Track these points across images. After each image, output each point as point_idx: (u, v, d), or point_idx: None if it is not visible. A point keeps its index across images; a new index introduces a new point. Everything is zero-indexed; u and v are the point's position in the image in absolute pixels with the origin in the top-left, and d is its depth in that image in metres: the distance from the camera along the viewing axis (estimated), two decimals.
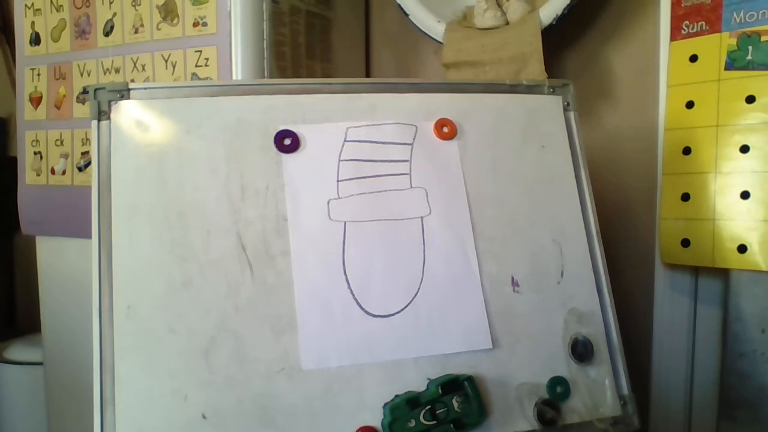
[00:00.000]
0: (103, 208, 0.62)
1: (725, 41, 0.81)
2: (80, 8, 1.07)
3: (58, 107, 1.11)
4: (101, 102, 0.64)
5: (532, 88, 0.75)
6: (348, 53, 1.21)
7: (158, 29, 0.98)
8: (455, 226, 0.67)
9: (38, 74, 1.13)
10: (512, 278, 0.67)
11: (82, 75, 1.07)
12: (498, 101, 0.73)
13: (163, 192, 0.62)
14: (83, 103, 1.08)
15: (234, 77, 0.92)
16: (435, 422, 0.60)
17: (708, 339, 0.87)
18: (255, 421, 0.58)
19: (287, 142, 0.66)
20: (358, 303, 0.63)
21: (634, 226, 1.02)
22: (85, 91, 1.07)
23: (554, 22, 0.95)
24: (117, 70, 1.03)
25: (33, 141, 1.14)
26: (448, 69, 1.04)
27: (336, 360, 0.61)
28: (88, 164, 1.08)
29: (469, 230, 0.67)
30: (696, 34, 0.84)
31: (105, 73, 1.04)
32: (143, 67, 1.00)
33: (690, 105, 0.84)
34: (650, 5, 0.98)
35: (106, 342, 0.58)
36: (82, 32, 1.07)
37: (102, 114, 0.64)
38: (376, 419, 0.60)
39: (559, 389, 0.64)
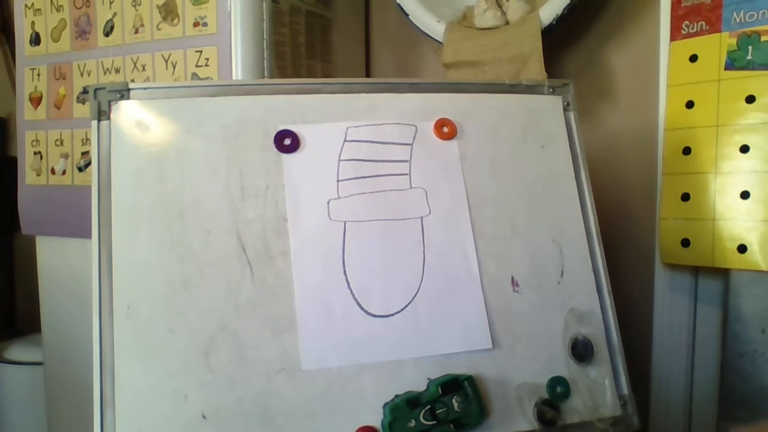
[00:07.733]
0: (103, 208, 0.62)
1: (725, 41, 0.81)
2: (80, 8, 1.07)
3: (58, 107, 1.11)
4: (101, 102, 0.64)
5: (532, 88, 0.75)
6: (348, 53, 1.21)
7: (158, 29, 0.98)
8: (455, 226, 0.67)
9: (38, 74, 1.13)
10: (512, 278, 0.67)
11: (82, 75, 1.07)
12: (498, 101, 0.73)
13: (163, 192, 0.62)
14: (83, 103, 1.08)
15: (234, 77, 0.92)
16: (435, 422, 0.60)
17: (708, 339, 0.87)
18: (255, 421, 0.58)
19: (287, 142, 0.66)
20: (357, 303, 0.63)
21: (634, 226, 1.02)
22: (85, 91, 1.07)
23: (554, 22, 0.95)
24: (117, 70, 1.03)
25: (33, 141, 1.14)
26: (448, 69, 1.04)
27: (336, 360, 0.61)
28: (88, 164, 1.08)
29: (468, 230, 0.67)
30: (696, 34, 0.84)
31: (105, 73, 1.04)
32: (143, 67, 1.00)
33: (690, 105, 0.84)
34: (650, 5, 0.98)
35: (106, 342, 0.58)
36: (82, 32, 1.07)
37: (102, 114, 0.64)
38: (376, 419, 0.60)
39: (559, 389, 0.64)
